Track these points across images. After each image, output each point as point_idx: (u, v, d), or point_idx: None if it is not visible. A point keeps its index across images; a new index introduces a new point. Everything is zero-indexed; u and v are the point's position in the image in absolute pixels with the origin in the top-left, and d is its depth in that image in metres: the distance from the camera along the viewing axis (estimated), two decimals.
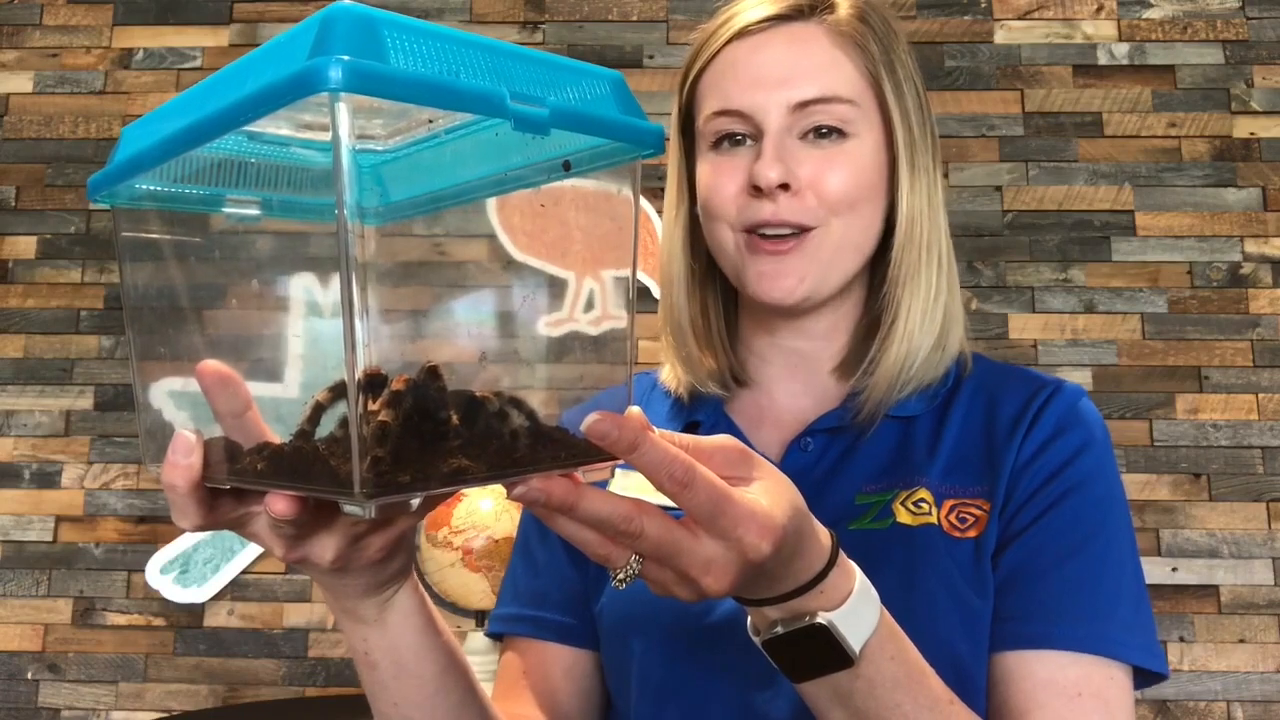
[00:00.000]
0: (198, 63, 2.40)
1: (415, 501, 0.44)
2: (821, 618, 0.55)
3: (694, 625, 0.76)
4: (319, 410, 0.48)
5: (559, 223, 0.61)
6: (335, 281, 0.42)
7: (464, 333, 0.58)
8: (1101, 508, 0.74)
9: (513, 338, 0.59)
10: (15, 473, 2.27)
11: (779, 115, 0.77)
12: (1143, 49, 2.31)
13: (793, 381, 0.86)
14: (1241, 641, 2.10)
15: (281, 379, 0.56)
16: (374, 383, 0.43)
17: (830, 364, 0.85)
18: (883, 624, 0.58)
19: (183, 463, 0.50)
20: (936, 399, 0.81)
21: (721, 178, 0.79)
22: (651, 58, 2.37)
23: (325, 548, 0.55)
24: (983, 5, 2.35)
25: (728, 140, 0.80)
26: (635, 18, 2.39)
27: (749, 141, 0.79)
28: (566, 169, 0.54)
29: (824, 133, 0.77)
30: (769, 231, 0.77)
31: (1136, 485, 2.16)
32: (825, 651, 0.56)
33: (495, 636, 0.89)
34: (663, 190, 0.90)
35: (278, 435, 0.53)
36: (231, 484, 0.50)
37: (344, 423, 0.47)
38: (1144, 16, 2.33)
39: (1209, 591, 2.12)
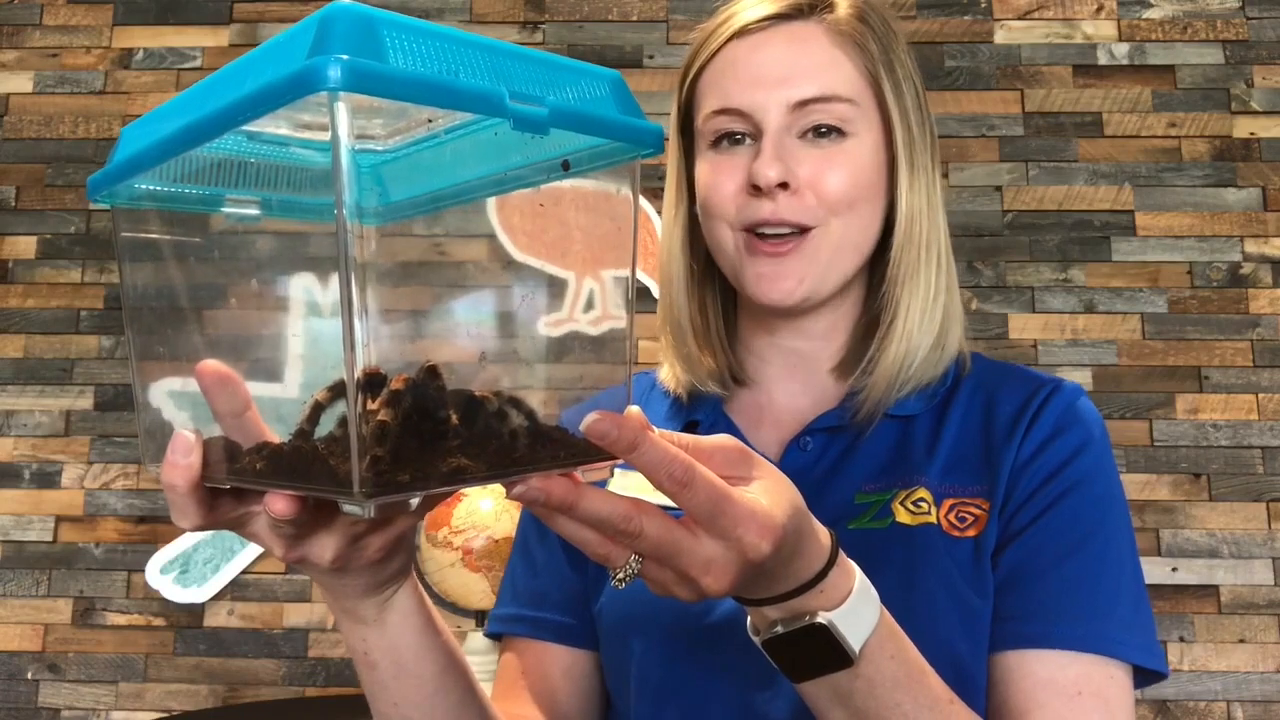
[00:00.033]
0: (198, 63, 2.40)
1: (414, 501, 0.44)
2: (821, 617, 0.55)
3: (693, 625, 0.76)
4: (318, 410, 0.48)
5: (559, 223, 0.61)
6: (335, 281, 0.42)
7: (464, 333, 0.58)
8: (1100, 507, 0.74)
9: (512, 338, 0.59)
10: (15, 473, 2.27)
11: (778, 114, 0.77)
12: (1143, 49, 2.31)
13: (791, 381, 0.86)
14: (1241, 641, 2.10)
15: (281, 379, 0.56)
16: (373, 382, 0.43)
17: (829, 363, 0.85)
18: (882, 623, 0.58)
19: (182, 462, 0.50)
20: (935, 398, 0.81)
21: (720, 176, 0.79)
22: (651, 58, 2.37)
23: (324, 547, 0.55)
24: (983, 5, 2.35)
25: (727, 139, 0.80)
26: (635, 18, 2.39)
27: (748, 140, 0.79)
28: (566, 169, 0.54)
29: (823, 132, 0.77)
30: (768, 231, 0.77)
31: (1136, 485, 2.16)
32: (825, 651, 0.56)
33: (494, 637, 0.89)
34: (663, 190, 0.90)
35: (277, 435, 0.53)
36: (231, 484, 0.50)
37: (343, 422, 0.47)
38: (1144, 16, 2.33)
39: (1209, 591, 2.12)
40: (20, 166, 2.38)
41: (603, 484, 0.52)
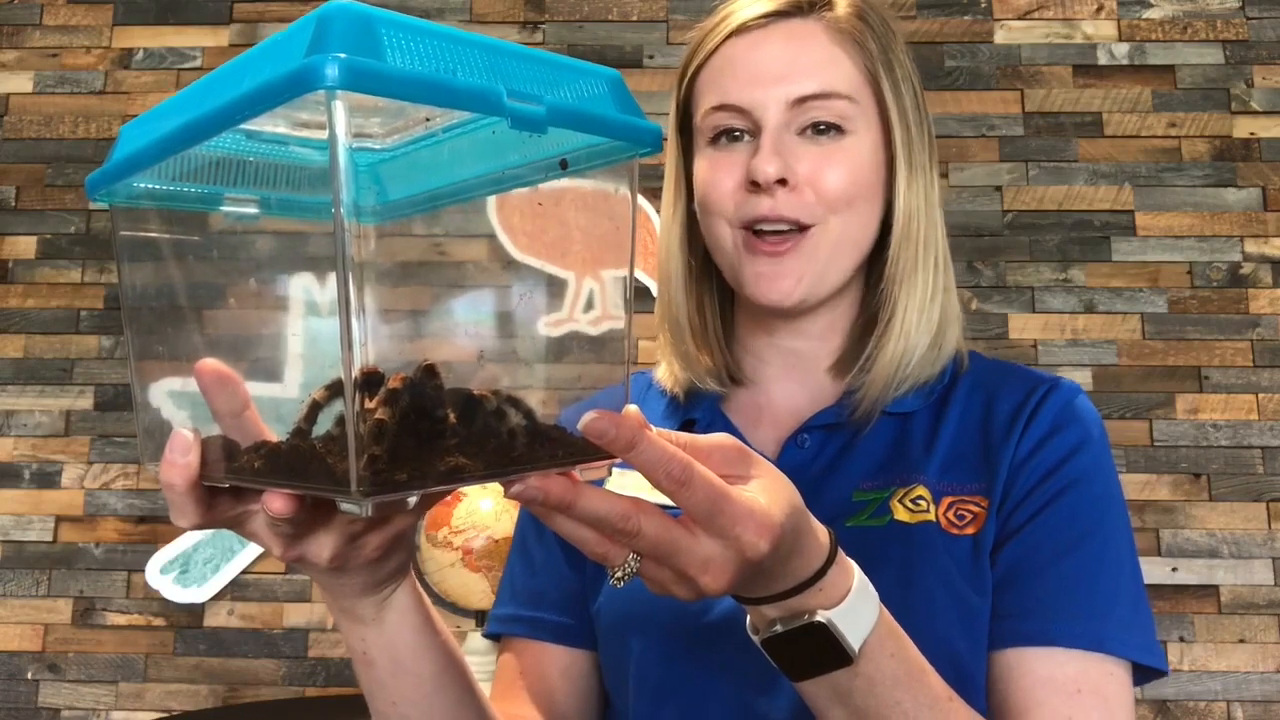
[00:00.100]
0: (198, 63, 2.40)
1: (412, 500, 0.44)
2: (820, 616, 0.55)
3: (692, 624, 0.76)
4: (316, 408, 0.48)
5: (558, 223, 0.61)
6: (333, 280, 0.42)
7: (463, 332, 0.58)
8: (1099, 504, 0.74)
9: (512, 338, 0.59)
10: (15, 473, 2.27)
11: (777, 111, 0.77)
12: (1143, 49, 2.31)
13: (789, 380, 0.86)
14: (1241, 641, 2.10)
15: (280, 378, 0.56)
16: (371, 381, 0.43)
17: (826, 362, 0.85)
18: (882, 622, 0.58)
19: (180, 461, 0.50)
20: (933, 396, 0.81)
21: (719, 173, 0.79)
22: (651, 58, 2.37)
23: (323, 546, 0.55)
24: (983, 5, 2.35)
25: (725, 136, 0.80)
26: (635, 18, 2.39)
27: (747, 137, 0.79)
28: (564, 167, 0.54)
29: (822, 129, 0.77)
30: (767, 228, 0.77)
31: (1136, 485, 2.16)
32: (824, 650, 0.56)
33: (493, 637, 0.89)
34: (662, 189, 0.90)
35: (276, 434, 0.53)
36: (229, 482, 0.50)
37: (341, 421, 0.47)
38: (1144, 16, 2.33)
39: (1209, 591, 2.12)
40: (20, 166, 2.38)
41: (600, 483, 0.52)
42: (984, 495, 0.75)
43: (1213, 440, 2.18)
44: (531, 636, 0.85)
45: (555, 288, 0.63)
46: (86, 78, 2.41)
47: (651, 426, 0.48)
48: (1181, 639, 2.11)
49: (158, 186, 0.56)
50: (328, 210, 0.42)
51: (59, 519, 2.25)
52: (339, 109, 0.41)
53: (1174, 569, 2.13)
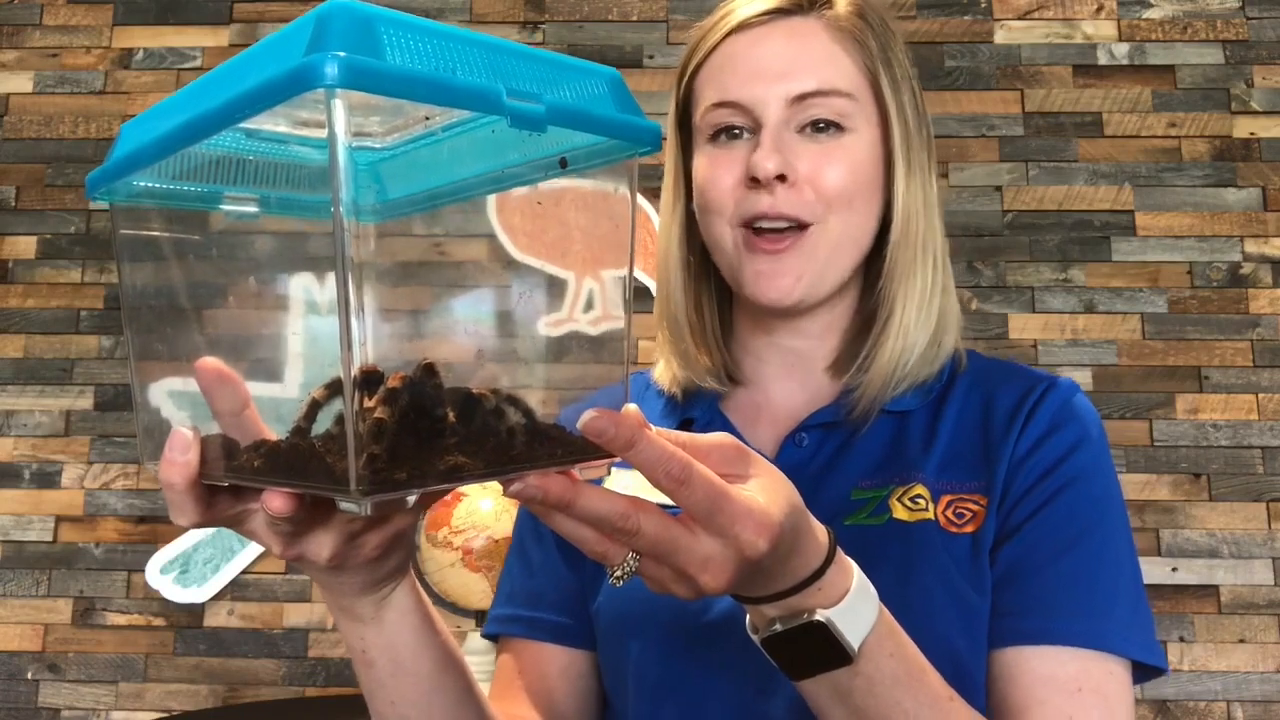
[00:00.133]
0: (198, 63, 2.40)
1: (411, 499, 0.44)
2: (820, 615, 0.55)
3: (692, 623, 0.76)
4: (315, 407, 0.48)
5: (559, 223, 0.61)
6: (333, 279, 0.42)
7: (462, 332, 0.58)
8: (1098, 503, 0.74)
9: (512, 338, 0.59)
10: (15, 473, 2.27)
11: (777, 107, 0.77)
12: (1143, 49, 2.31)
13: (788, 380, 0.86)
14: (1241, 641, 2.10)
15: (281, 378, 0.56)
16: (370, 380, 0.43)
17: (825, 362, 0.85)
18: (881, 621, 0.58)
19: (180, 459, 0.50)
20: (931, 394, 0.81)
21: (719, 170, 0.79)
22: (651, 58, 2.37)
23: (322, 545, 0.54)
24: (983, 5, 2.35)
25: (725, 133, 0.80)
26: (635, 18, 2.39)
27: (746, 135, 0.79)
28: (563, 166, 0.54)
29: (821, 127, 0.77)
30: (766, 225, 0.77)
31: (1136, 485, 2.16)
32: (824, 649, 0.56)
33: (491, 637, 0.89)
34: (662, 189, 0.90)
35: (276, 434, 0.53)
36: (228, 481, 0.50)
37: (340, 420, 0.47)
38: (1144, 16, 2.33)
39: (1209, 591, 2.12)
40: (20, 166, 2.38)
41: (600, 482, 0.52)
42: (983, 493, 0.75)
43: (1213, 440, 2.18)
44: (530, 637, 0.85)
45: (555, 288, 0.62)
46: (86, 78, 2.41)
47: (651, 425, 0.48)
48: (1181, 639, 2.11)
49: (158, 185, 0.56)
50: (327, 209, 0.42)
51: (59, 519, 2.25)
52: (338, 107, 0.41)
53: (1174, 569, 2.13)
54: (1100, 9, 2.33)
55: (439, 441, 0.45)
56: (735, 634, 0.64)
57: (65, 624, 2.21)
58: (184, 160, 0.54)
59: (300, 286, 0.56)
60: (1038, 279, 2.25)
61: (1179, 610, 2.11)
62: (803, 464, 0.79)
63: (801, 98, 0.77)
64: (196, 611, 2.20)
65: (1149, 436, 2.18)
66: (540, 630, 0.85)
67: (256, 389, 0.53)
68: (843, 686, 0.58)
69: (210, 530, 2.22)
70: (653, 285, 2.17)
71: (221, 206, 0.58)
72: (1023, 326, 2.24)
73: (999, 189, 2.28)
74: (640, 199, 2.08)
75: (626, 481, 0.58)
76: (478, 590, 2.00)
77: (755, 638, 0.59)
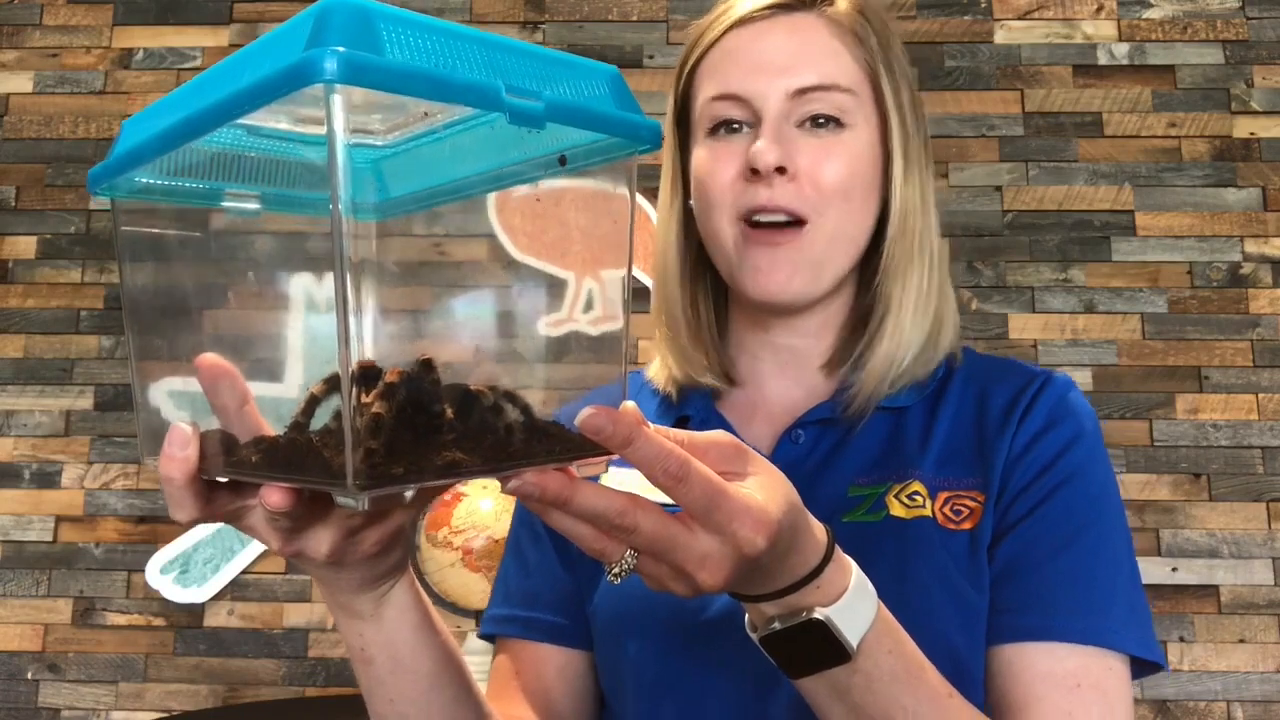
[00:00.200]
0: (198, 63, 2.40)
1: (409, 494, 0.44)
2: (819, 613, 0.55)
3: (690, 622, 0.76)
4: (313, 402, 0.48)
5: (559, 223, 0.61)
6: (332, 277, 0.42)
7: (462, 331, 0.58)
8: (1094, 499, 0.74)
9: (512, 337, 0.59)
10: (15, 473, 2.27)
11: (778, 101, 0.77)
12: (1143, 49, 2.31)
13: (783, 378, 0.86)
14: (1241, 641, 2.10)
15: (281, 375, 0.56)
16: (368, 375, 0.43)
17: (820, 360, 0.85)
18: (880, 618, 0.58)
19: (179, 455, 0.50)
20: (927, 390, 0.81)
21: (718, 163, 0.79)
22: (651, 58, 2.37)
23: (321, 541, 0.54)
24: (983, 5, 2.35)
25: (724, 127, 0.80)
26: (635, 18, 2.39)
27: (745, 129, 0.79)
28: (562, 163, 0.54)
29: (821, 122, 0.78)
30: (764, 219, 0.77)
31: (1136, 485, 2.16)
32: (823, 647, 0.56)
33: (488, 638, 0.89)
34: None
35: (275, 431, 0.53)
36: (227, 476, 0.50)
37: (338, 415, 0.47)
38: (1144, 16, 2.33)
39: (1209, 591, 2.12)
40: (20, 166, 2.38)
41: (597, 479, 0.52)
42: (980, 490, 0.75)
43: (1213, 440, 2.18)
44: (527, 637, 0.85)
45: (555, 288, 0.63)
46: (86, 78, 2.41)
47: (648, 423, 0.48)
48: (1181, 639, 2.11)
49: (159, 181, 0.56)
50: (328, 206, 0.42)
51: (59, 519, 2.25)
52: (337, 103, 0.41)
53: (1174, 569, 2.13)
54: (1100, 9, 2.33)
55: (436, 437, 0.45)
56: (734, 632, 0.64)
57: (65, 624, 2.21)
58: (185, 156, 0.54)
59: (301, 284, 0.56)
60: (1038, 279, 2.25)
61: (1179, 610, 2.11)
62: (799, 461, 0.79)
63: (802, 92, 0.77)
64: (196, 611, 2.20)
65: (1149, 436, 2.18)
66: (537, 630, 0.84)
67: (257, 388, 0.53)
68: (841, 684, 0.58)
69: (210, 530, 2.22)
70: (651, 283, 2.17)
71: (223, 203, 0.58)
72: (1023, 326, 2.24)
73: (999, 189, 2.29)
74: (640, 199, 2.08)
75: (625, 479, 0.58)
76: (478, 590, 2.00)
77: (754, 636, 0.58)
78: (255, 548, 2.21)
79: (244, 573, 2.21)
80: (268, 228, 0.61)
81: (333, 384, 0.48)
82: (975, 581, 0.72)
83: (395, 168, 0.60)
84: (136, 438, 2.19)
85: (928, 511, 0.75)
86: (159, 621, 2.21)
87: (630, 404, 0.48)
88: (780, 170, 0.76)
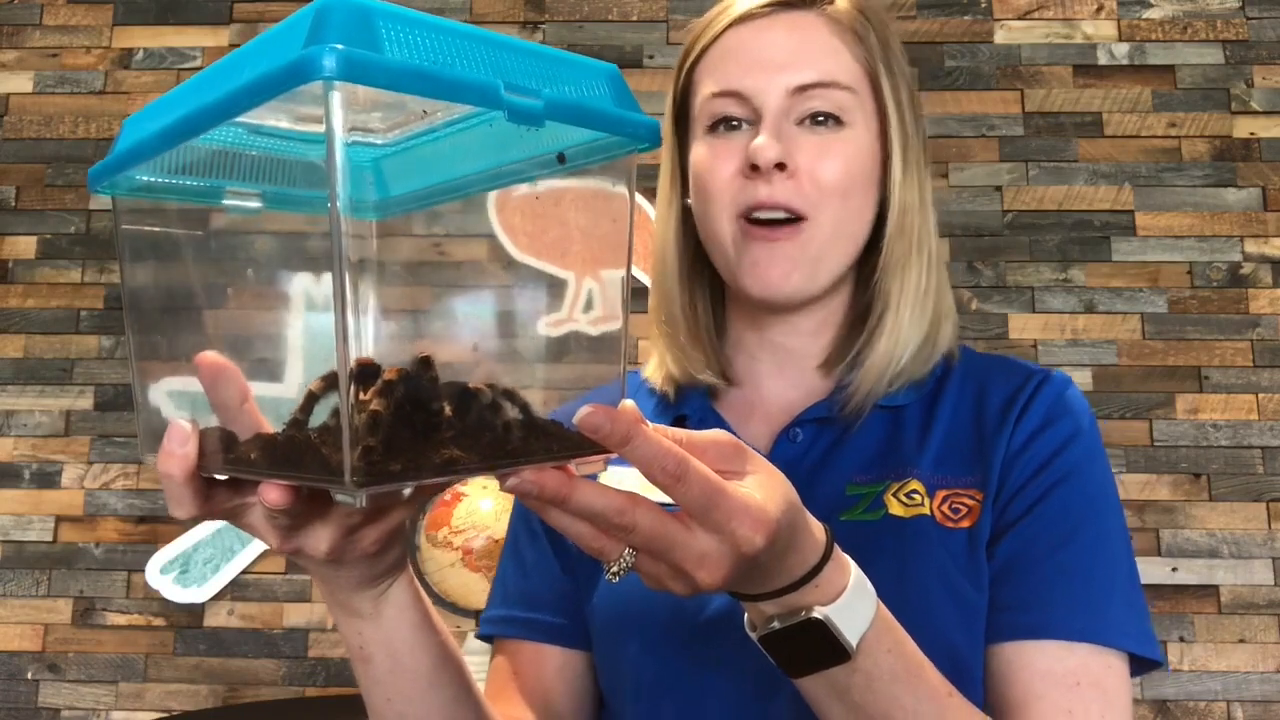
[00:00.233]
0: (198, 63, 2.40)
1: (407, 491, 0.44)
2: (818, 612, 0.55)
3: (689, 621, 0.76)
4: (312, 400, 0.48)
5: (559, 223, 0.61)
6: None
7: (462, 331, 0.58)
8: (1092, 498, 0.74)
9: (512, 337, 0.59)
10: (15, 473, 2.27)
11: (778, 98, 0.77)
12: (1143, 49, 2.31)
13: (780, 377, 0.86)
14: (1241, 641, 2.10)
15: (281, 373, 0.56)
16: (366, 372, 0.43)
17: (817, 359, 0.85)
18: (879, 617, 0.58)
19: (178, 452, 0.50)
20: (925, 388, 0.81)
21: (718, 160, 0.79)
22: (651, 58, 2.37)
23: (319, 539, 0.54)
24: (983, 5, 2.35)
25: (724, 124, 0.80)
26: (635, 18, 2.39)
27: (745, 126, 0.79)
28: (561, 162, 0.54)
29: (820, 119, 0.78)
30: (763, 215, 0.77)
31: (1136, 485, 2.16)
32: (822, 646, 0.56)
33: (486, 639, 0.89)
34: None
35: (275, 428, 0.53)
36: (226, 473, 0.50)
37: (337, 412, 0.47)
38: (1144, 16, 2.33)
39: (1209, 591, 2.12)
40: (20, 166, 2.38)
41: (595, 477, 0.52)
42: (978, 488, 0.75)
43: (1213, 440, 2.18)
44: (525, 638, 0.84)
45: (555, 288, 0.63)
46: (86, 78, 2.41)
47: (647, 421, 0.48)
48: (1181, 639, 2.10)
49: (160, 179, 0.56)
50: (327, 205, 0.42)
51: (59, 519, 2.25)
52: (336, 100, 0.41)
53: (1174, 569, 2.13)
54: (1100, 9, 2.33)
55: (434, 435, 0.45)
56: (733, 631, 0.64)
57: (65, 624, 2.21)
58: (185, 154, 0.54)
59: (301, 282, 0.56)
60: (1038, 279, 2.25)
61: (1179, 610, 2.11)
62: (797, 459, 0.79)
63: (802, 89, 0.77)
64: (196, 611, 2.20)
65: (1149, 436, 2.18)
66: (535, 631, 0.84)
67: (257, 388, 0.53)
68: (841, 683, 0.58)
69: (210, 530, 2.22)
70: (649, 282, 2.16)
71: (223, 201, 0.58)
72: (1023, 326, 2.24)
73: (999, 189, 2.29)
74: (639, 198, 2.08)
75: (623, 478, 0.58)
76: (478, 590, 2.00)
77: (753, 635, 0.58)
78: (255, 548, 2.21)
79: (244, 573, 2.21)
80: (268, 226, 0.61)
81: (331, 381, 0.48)
82: (974, 580, 0.72)
83: (395, 166, 0.60)
84: (136, 437, 2.19)
85: (926, 510, 0.75)
86: (159, 621, 2.21)
87: (629, 403, 0.48)
88: (780, 167, 0.76)
